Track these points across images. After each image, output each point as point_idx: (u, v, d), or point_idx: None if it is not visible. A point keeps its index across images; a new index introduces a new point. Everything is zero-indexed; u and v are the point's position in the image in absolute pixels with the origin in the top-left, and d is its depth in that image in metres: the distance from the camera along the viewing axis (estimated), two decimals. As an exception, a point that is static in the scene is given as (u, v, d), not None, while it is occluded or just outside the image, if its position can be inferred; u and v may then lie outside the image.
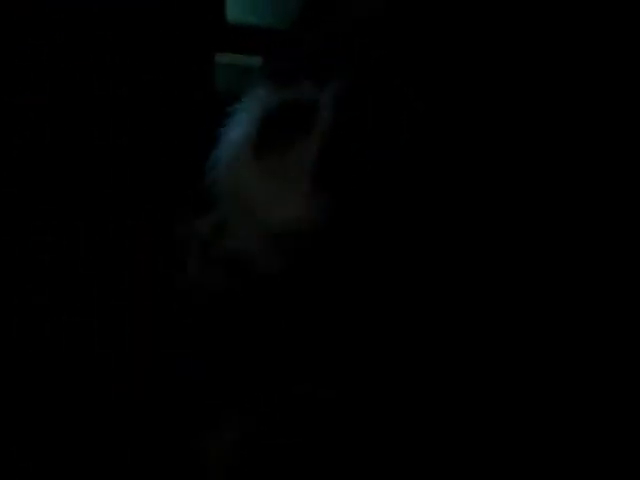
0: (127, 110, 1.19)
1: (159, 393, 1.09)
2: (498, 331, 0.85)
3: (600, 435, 0.88)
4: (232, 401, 0.87)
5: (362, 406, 0.83)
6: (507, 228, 0.84)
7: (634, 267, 0.90)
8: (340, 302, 0.82)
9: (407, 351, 0.82)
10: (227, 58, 1.25)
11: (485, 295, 0.83)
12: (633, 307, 0.90)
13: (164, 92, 1.20)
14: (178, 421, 0.95)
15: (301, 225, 0.80)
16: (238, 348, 0.86)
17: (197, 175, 0.91)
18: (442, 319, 0.82)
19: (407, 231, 0.80)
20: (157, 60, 1.20)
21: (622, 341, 0.89)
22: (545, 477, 0.88)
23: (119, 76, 1.19)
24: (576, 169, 0.90)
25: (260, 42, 1.24)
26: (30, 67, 1.17)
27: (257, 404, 0.85)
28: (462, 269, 0.81)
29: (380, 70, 0.82)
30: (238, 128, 0.86)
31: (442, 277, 0.81)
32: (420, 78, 0.82)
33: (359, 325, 0.82)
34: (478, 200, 0.82)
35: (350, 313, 0.82)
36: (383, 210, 0.80)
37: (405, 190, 0.81)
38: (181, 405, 0.93)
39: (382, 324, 0.82)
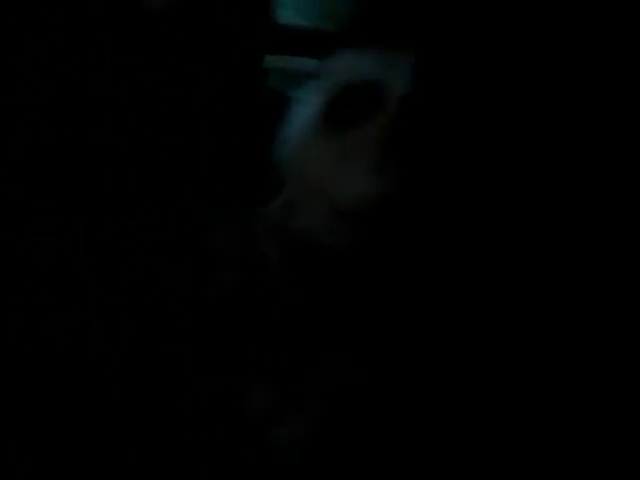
0: (167, 111, 1.20)
1: (159, 393, 1.09)
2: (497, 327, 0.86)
3: (600, 435, 0.88)
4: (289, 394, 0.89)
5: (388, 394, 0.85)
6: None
7: (633, 267, 0.90)
8: (403, 277, 0.84)
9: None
10: (278, 62, 1.25)
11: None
12: (633, 307, 0.90)
13: (214, 94, 1.21)
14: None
15: (367, 201, 0.82)
16: (299, 323, 0.88)
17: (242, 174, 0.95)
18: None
19: (468, 213, 0.83)
20: (208, 62, 1.21)
21: (622, 341, 0.89)
22: (545, 477, 0.88)
23: (166, 78, 1.20)
24: (571, 159, 0.90)
25: (310, 43, 1.24)
26: (34, 67, 1.18)
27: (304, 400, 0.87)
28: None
29: (446, 56, 0.84)
30: (305, 110, 0.88)
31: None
32: (480, 70, 0.85)
33: (418, 307, 0.84)
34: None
35: (413, 289, 0.84)
36: (445, 189, 0.82)
37: (466, 172, 0.83)
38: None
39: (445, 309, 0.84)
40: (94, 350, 1.12)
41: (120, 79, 1.20)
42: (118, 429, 1.07)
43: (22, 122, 1.18)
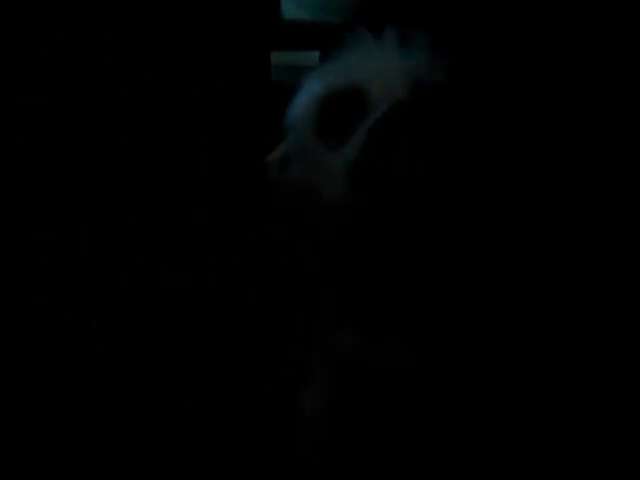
0: (170, 109, 1.21)
1: (159, 393, 1.09)
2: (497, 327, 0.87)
3: (600, 435, 0.88)
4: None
5: None
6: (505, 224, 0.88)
7: (633, 267, 0.91)
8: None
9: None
10: (283, 58, 1.26)
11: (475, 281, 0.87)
12: (632, 307, 0.90)
13: (214, 94, 1.22)
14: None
15: (341, 206, 0.87)
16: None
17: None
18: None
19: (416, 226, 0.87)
20: (215, 58, 1.21)
21: (622, 340, 0.90)
22: (545, 477, 0.88)
23: (166, 78, 1.21)
24: (575, 169, 0.91)
25: (315, 37, 1.25)
26: (34, 67, 1.18)
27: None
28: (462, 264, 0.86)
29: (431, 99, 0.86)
30: (309, 94, 0.91)
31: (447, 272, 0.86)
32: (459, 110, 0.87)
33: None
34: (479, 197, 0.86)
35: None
36: (402, 208, 0.85)
37: (419, 196, 0.86)
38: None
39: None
40: (94, 350, 1.12)
41: (120, 79, 1.21)
42: (118, 429, 1.07)
43: (22, 122, 1.18)
